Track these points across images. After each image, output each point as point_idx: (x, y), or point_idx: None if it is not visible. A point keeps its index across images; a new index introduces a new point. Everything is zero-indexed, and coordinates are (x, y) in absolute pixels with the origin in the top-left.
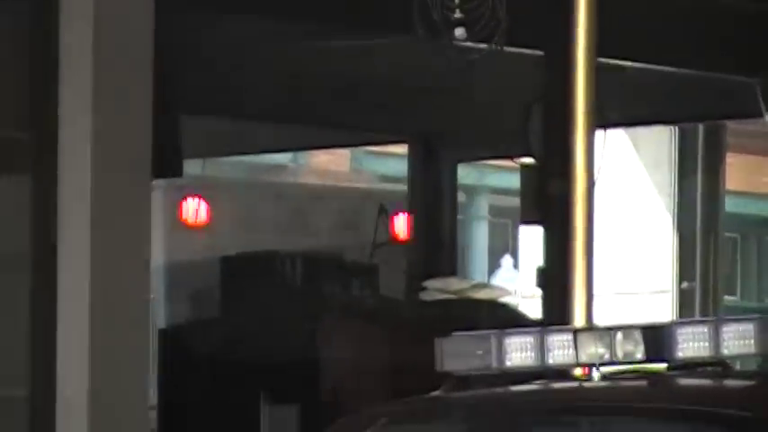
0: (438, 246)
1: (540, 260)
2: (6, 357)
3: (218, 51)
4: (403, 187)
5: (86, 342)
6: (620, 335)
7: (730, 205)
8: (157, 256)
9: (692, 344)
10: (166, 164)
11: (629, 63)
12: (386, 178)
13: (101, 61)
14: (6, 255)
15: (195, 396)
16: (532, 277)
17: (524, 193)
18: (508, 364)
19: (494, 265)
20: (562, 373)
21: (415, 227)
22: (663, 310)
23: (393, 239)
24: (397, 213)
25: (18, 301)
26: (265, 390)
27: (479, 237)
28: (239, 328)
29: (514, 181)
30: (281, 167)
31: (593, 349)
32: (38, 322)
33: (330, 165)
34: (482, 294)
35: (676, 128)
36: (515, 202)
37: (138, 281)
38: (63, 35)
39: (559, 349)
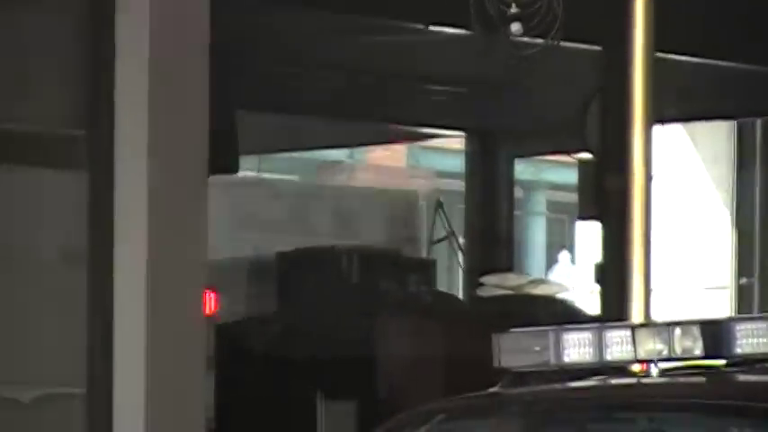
0: (495, 241)
1: (597, 256)
2: (64, 356)
3: (275, 46)
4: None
5: (143, 340)
6: (678, 331)
7: None
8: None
9: (750, 340)
10: (223, 160)
11: (686, 58)
12: (442, 174)
13: (157, 57)
14: (64, 252)
15: (252, 392)
16: (590, 273)
17: (582, 188)
18: (566, 360)
19: (551, 261)
20: (620, 369)
21: (472, 223)
22: (721, 305)
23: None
24: None
25: (75, 299)
26: (322, 386)
27: (536, 232)
28: (296, 324)
29: (572, 176)
30: (336, 164)
31: (651, 345)
32: (95, 320)
33: (386, 161)
34: (539, 290)
35: (734, 123)
36: (573, 197)
37: (194, 278)
38: (119, 31)
39: (617, 345)
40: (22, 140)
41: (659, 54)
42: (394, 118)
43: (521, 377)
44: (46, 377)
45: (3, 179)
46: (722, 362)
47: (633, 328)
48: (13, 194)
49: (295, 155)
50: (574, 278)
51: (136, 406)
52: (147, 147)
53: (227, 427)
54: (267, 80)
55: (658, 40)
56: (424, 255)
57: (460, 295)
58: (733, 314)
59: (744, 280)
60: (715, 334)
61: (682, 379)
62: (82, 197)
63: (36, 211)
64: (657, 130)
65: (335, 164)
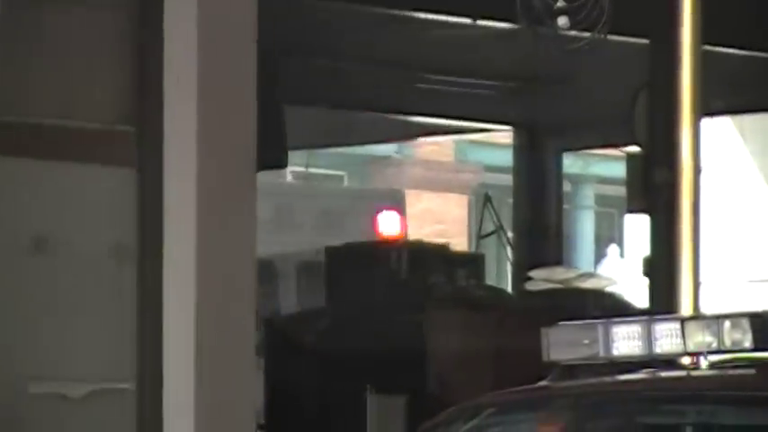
0: (543, 235)
1: (646, 249)
2: (114, 351)
3: (323, 41)
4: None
5: (192, 335)
6: (727, 323)
7: None
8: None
9: None
10: (271, 155)
11: (734, 50)
12: (490, 168)
13: (205, 53)
14: (114, 248)
15: (301, 387)
16: (639, 266)
17: (630, 181)
18: (615, 353)
19: (599, 255)
20: (669, 362)
21: (521, 217)
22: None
23: (381, 238)
24: (380, 210)
25: (125, 295)
26: (371, 380)
27: (585, 226)
28: (345, 317)
29: (620, 170)
30: (385, 158)
31: (700, 338)
32: (145, 316)
33: (434, 155)
34: (588, 284)
35: None
36: (621, 191)
37: (243, 272)
38: (167, 28)
39: (667, 338)
40: (72, 137)
41: (707, 47)
42: (442, 112)
43: (570, 370)
44: (96, 373)
45: (55, 175)
46: None
47: (682, 320)
48: (65, 191)
49: (343, 150)
50: (622, 272)
51: (185, 401)
52: (196, 143)
53: (276, 422)
54: (315, 75)
55: (706, 32)
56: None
57: (509, 289)
58: None
59: None
60: (764, 326)
61: (731, 372)
62: (132, 193)
63: (86, 207)
64: (705, 122)
65: (384, 159)
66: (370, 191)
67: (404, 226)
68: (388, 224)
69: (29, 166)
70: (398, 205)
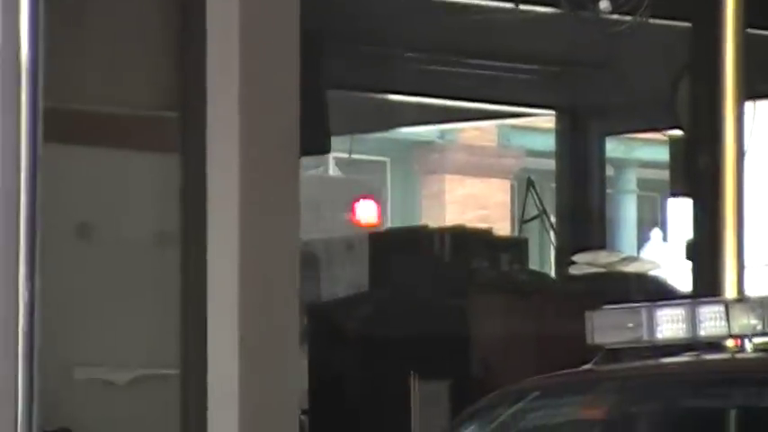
0: (586, 220)
1: (689, 233)
2: (158, 338)
3: (365, 26)
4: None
5: (236, 321)
6: None
7: None
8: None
9: None
10: (314, 141)
11: None
12: (533, 153)
13: (248, 39)
14: (158, 235)
15: (344, 373)
16: (682, 250)
17: (673, 165)
18: (659, 336)
19: (642, 239)
20: (714, 345)
21: (564, 201)
22: None
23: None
24: (359, 199)
25: (169, 281)
26: (415, 366)
27: (628, 210)
28: (388, 303)
29: (662, 154)
30: (428, 144)
31: (745, 321)
32: (189, 302)
33: (477, 140)
34: (631, 267)
35: None
36: (663, 174)
37: (287, 258)
38: (209, 12)
39: (711, 321)
40: (116, 123)
41: (750, 30)
42: (485, 97)
43: (614, 354)
44: (140, 359)
45: (98, 162)
46: None
47: (727, 303)
48: (108, 177)
49: (387, 136)
50: (665, 255)
51: (230, 387)
52: (239, 128)
53: (320, 407)
54: (358, 60)
55: (749, 15)
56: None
57: (552, 274)
58: None
59: None
60: None
61: None
62: (175, 179)
63: (130, 193)
64: (748, 106)
65: (427, 144)
66: (347, 179)
67: (380, 215)
68: (365, 213)
69: (72, 153)
70: (375, 194)
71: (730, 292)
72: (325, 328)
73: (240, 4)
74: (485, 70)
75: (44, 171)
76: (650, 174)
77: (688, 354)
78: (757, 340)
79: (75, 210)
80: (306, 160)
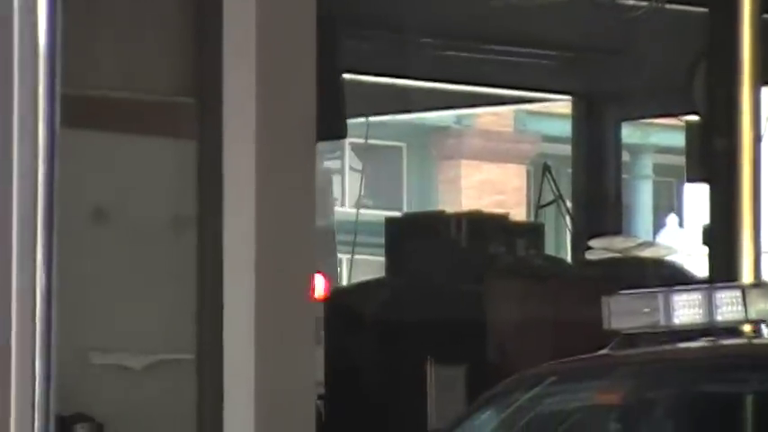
0: (602, 205)
1: (705, 218)
2: (175, 322)
3: (382, 10)
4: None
5: (252, 305)
6: None
7: None
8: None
9: None
10: (330, 126)
11: None
12: (549, 138)
13: (264, 24)
14: (174, 219)
15: (361, 357)
16: (698, 235)
17: (689, 150)
18: (676, 321)
19: (658, 224)
20: (730, 330)
21: (580, 186)
22: None
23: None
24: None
25: (185, 265)
26: (432, 351)
27: (644, 196)
28: (405, 289)
29: (678, 139)
30: (444, 129)
31: (762, 306)
32: (205, 286)
33: (493, 126)
34: (648, 253)
35: None
36: (680, 160)
37: (302, 243)
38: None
39: (728, 306)
40: (132, 109)
41: (767, 14)
42: (501, 83)
43: (630, 339)
44: (157, 344)
45: (115, 147)
46: None
47: (743, 288)
48: (125, 162)
49: (404, 121)
50: (682, 241)
51: (246, 372)
52: (255, 114)
53: (336, 392)
54: (375, 44)
55: (766, 0)
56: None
57: (568, 259)
58: None
59: None
60: None
61: None
62: (192, 164)
63: (146, 178)
64: (765, 91)
65: (443, 130)
66: None
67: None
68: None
69: (89, 138)
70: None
71: (747, 277)
72: (342, 313)
73: None
74: (501, 55)
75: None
76: (666, 159)
77: (704, 339)
78: None
79: (92, 195)
80: (322, 145)
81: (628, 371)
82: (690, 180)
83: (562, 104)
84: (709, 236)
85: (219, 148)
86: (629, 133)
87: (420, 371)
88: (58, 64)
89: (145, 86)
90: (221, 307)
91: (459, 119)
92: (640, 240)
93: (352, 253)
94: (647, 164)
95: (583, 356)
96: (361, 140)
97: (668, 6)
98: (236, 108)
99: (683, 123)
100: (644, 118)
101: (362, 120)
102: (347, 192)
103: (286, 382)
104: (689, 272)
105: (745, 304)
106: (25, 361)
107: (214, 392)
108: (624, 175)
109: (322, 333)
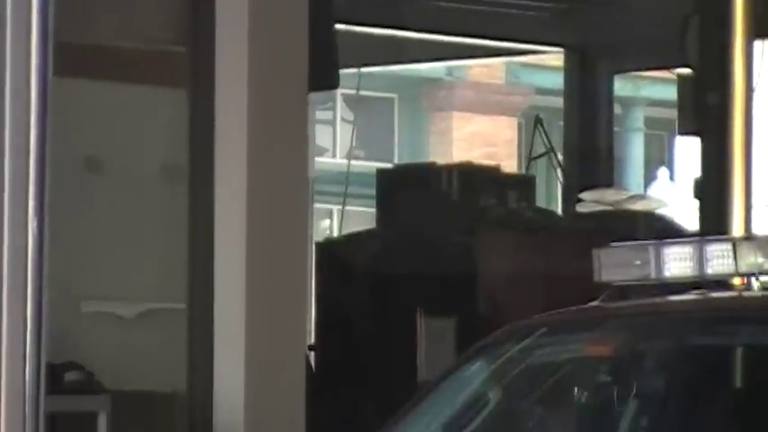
0: (594, 158)
1: (696, 171)
2: (166, 272)
3: None
4: None
5: (243, 255)
6: None
7: None
8: None
9: None
10: (322, 77)
11: None
12: (542, 91)
13: None
14: (166, 168)
15: (351, 309)
16: (689, 189)
17: (681, 104)
18: (667, 274)
19: (650, 177)
20: (721, 283)
21: (571, 139)
22: None
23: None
24: None
25: (177, 215)
26: (422, 303)
27: (635, 149)
28: (396, 240)
29: (671, 93)
30: (436, 81)
31: (752, 259)
32: (196, 236)
33: (485, 78)
34: (639, 206)
35: None
36: (671, 113)
37: (295, 193)
38: None
39: (718, 259)
40: (126, 57)
41: None
42: (493, 34)
43: (621, 291)
44: (148, 293)
45: (107, 96)
46: None
47: (734, 241)
48: (117, 111)
49: (396, 72)
50: (673, 194)
51: (237, 321)
52: (247, 63)
53: (326, 343)
54: None
55: None
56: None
57: (559, 211)
58: None
59: None
60: None
61: None
62: (184, 114)
63: (138, 127)
64: (758, 44)
65: (435, 81)
66: None
67: None
68: None
69: (82, 86)
70: None
71: (738, 230)
72: (333, 264)
73: None
74: (494, 7)
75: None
76: (658, 112)
77: (695, 292)
78: (764, 278)
79: (84, 143)
80: (314, 96)
81: (618, 323)
82: (681, 133)
83: (554, 57)
84: (701, 189)
85: (211, 98)
86: (622, 86)
87: (410, 322)
88: (51, 14)
89: (137, 35)
90: (212, 256)
91: (450, 71)
92: (631, 193)
93: (344, 204)
94: (638, 117)
95: (573, 308)
96: (353, 91)
97: None
98: (228, 57)
99: (675, 77)
100: (636, 71)
101: (354, 71)
102: (338, 143)
103: (277, 332)
104: (680, 225)
105: (735, 257)
106: (17, 309)
107: (205, 342)
108: (616, 128)
109: (312, 283)
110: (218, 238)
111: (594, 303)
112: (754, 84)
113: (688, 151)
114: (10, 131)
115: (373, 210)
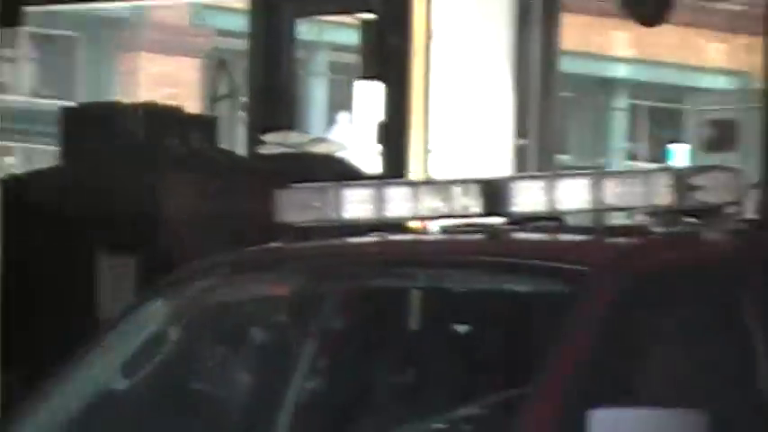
0: (277, 101)
1: (379, 116)
2: None
3: None
4: None
5: None
6: (458, 189)
7: (566, 65)
8: None
9: (528, 199)
10: (5, 13)
11: None
12: (226, 33)
13: None
14: None
15: (35, 248)
16: (371, 133)
17: (364, 48)
18: (346, 216)
19: (331, 121)
20: (400, 226)
21: (255, 82)
22: (500, 166)
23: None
24: None
25: None
26: (104, 241)
27: (318, 92)
28: (80, 178)
29: (354, 37)
30: (120, 20)
31: (431, 203)
32: None
33: (170, 19)
34: (320, 148)
35: None
36: (354, 59)
37: None
38: None
39: (398, 202)
40: None
41: None
42: None
43: (304, 233)
44: None
45: None
46: (501, 220)
47: (413, 185)
48: None
49: (81, 11)
50: (354, 138)
51: None
52: None
53: (9, 282)
54: None
55: None
56: (206, 112)
57: (243, 153)
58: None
59: (521, 141)
60: (494, 192)
61: (461, 237)
62: None
63: None
64: None
65: (119, 21)
66: None
67: None
68: None
69: None
70: None
71: (417, 174)
72: (16, 201)
73: None
74: None
75: None
76: (341, 57)
77: (374, 234)
78: (443, 222)
79: None
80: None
81: (296, 264)
82: (363, 78)
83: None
84: (382, 133)
85: None
86: (306, 30)
87: (93, 262)
88: None
89: None
90: None
91: (137, 11)
92: (313, 136)
93: (28, 142)
94: (322, 61)
95: (253, 248)
96: (39, 30)
97: None
98: None
99: (358, 22)
100: (320, 14)
101: (39, 9)
102: (25, 81)
103: None
104: (360, 168)
105: (415, 200)
106: None
107: None
108: (299, 72)
109: None
110: None
111: (275, 244)
112: (434, 28)
113: (371, 96)
114: None
115: (58, 148)
